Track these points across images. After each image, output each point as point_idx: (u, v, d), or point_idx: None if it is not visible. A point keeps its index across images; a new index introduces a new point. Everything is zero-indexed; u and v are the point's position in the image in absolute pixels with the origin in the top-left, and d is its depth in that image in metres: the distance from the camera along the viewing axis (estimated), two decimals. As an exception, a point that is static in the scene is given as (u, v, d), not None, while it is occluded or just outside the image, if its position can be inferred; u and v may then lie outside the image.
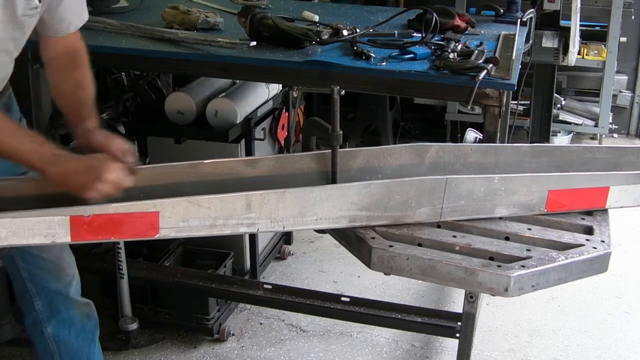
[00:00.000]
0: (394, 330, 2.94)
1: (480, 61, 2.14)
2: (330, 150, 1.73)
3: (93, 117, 1.91)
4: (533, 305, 3.19)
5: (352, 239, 1.66)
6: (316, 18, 2.62)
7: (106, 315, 2.98)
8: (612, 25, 4.52)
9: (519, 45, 2.49)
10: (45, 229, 1.43)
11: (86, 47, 1.97)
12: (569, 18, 3.73)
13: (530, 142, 4.14)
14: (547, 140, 4.25)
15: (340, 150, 1.73)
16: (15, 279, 2.12)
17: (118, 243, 2.66)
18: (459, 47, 2.31)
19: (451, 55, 2.21)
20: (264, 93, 3.11)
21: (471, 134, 3.12)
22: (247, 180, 1.76)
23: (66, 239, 1.45)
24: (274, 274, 3.42)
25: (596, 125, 4.86)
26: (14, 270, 2.09)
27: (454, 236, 1.66)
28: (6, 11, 1.69)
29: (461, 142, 3.69)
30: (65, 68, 1.95)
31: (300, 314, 3.03)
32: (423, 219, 1.68)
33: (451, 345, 2.79)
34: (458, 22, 2.56)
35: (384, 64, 2.24)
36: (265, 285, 2.85)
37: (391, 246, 1.59)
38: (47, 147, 1.64)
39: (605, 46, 4.59)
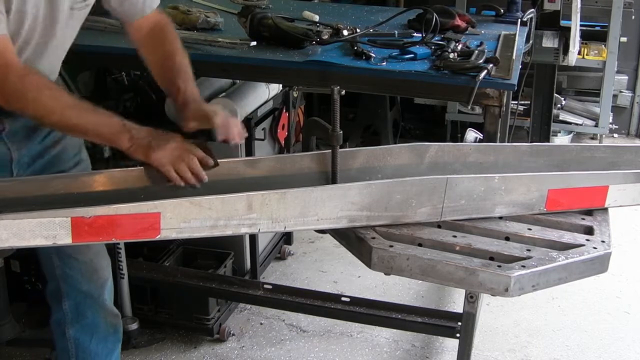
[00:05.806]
0: (394, 330, 2.94)
1: (481, 61, 2.14)
2: (330, 150, 1.73)
3: (191, 86, 1.86)
4: (533, 305, 3.19)
5: (352, 239, 1.66)
6: (316, 18, 2.62)
7: (106, 316, 2.99)
8: (613, 25, 4.52)
9: (519, 45, 2.49)
10: (47, 230, 1.43)
11: (86, 47, 1.96)
12: (569, 18, 3.73)
13: (531, 142, 4.14)
14: (547, 140, 4.24)
15: (340, 150, 1.73)
16: (49, 277, 2.13)
17: (118, 243, 2.66)
18: (459, 47, 2.31)
19: (451, 55, 2.21)
20: (264, 93, 3.10)
21: (471, 134, 3.12)
22: (247, 180, 1.76)
23: (67, 240, 1.44)
24: (274, 274, 3.42)
25: (596, 125, 4.86)
26: (49, 269, 2.10)
27: (455, 236, 1.66)
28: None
29: (461, 142, 3.68)
30: (152, 45, 1.94)
31: (300, 314, 3.03)
32: (423, 219, 1.68)
33: (451, 345, 2.79)
34: (458, 22, 2.56)
35: (384, 64, 2.24)
36: (265, 285, 2.85)
37: (391, 246, 1.59)
38: (117, 119, 1.67)
39: (605, 46, 4.59)
